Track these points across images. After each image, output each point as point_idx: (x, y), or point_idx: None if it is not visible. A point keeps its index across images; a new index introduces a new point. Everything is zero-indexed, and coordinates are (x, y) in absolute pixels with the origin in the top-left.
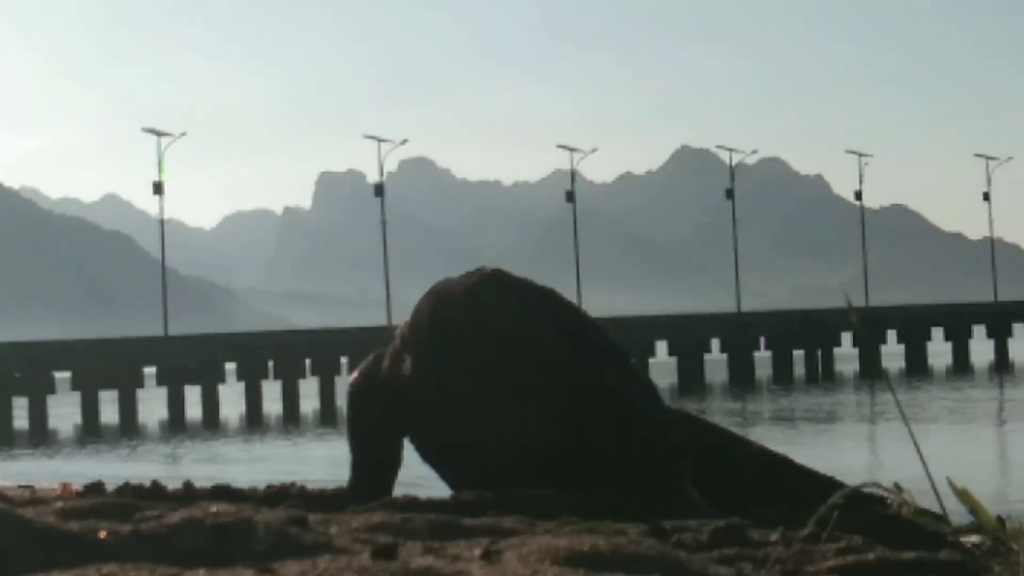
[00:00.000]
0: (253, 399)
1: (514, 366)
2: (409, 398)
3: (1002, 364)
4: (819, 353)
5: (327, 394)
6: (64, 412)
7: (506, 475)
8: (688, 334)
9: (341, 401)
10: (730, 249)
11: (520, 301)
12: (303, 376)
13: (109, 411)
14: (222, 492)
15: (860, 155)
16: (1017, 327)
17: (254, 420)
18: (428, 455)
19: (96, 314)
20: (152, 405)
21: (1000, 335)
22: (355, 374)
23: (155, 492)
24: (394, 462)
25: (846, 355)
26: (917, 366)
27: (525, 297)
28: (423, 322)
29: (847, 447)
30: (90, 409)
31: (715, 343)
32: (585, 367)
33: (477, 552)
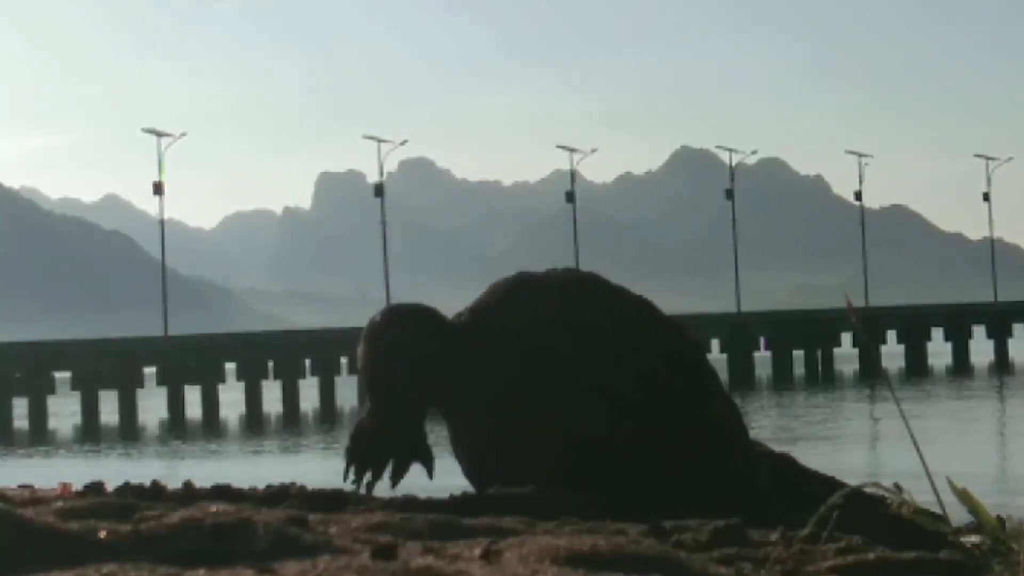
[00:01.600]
0: (253, 399)
1: (604, 369)
2: (459, 376)
3: (1002, 364)
4: (819, 353)
5: (327, 394)
6: (64, 412)
7: (567, 479)
8: None
9: (342, 401)
10: (730, 249)
11: (618, 307)
12: (303, 376)
13: (109, 411)
14: (222, 492)
15: (860, 155)
16: (1017, 327)
17: (254, 420)
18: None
19: (96, 314)
20: (152, 405)
21: (1000, 335)
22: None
23: (155, 492)
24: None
25: (846, 355)
26: (917, 366)
27: (622, 304)
28: (507, 305)
29: (847, 447)
30: (90, 409)
31: (715, 343)
32: (687, 388)
33: (477, 552)
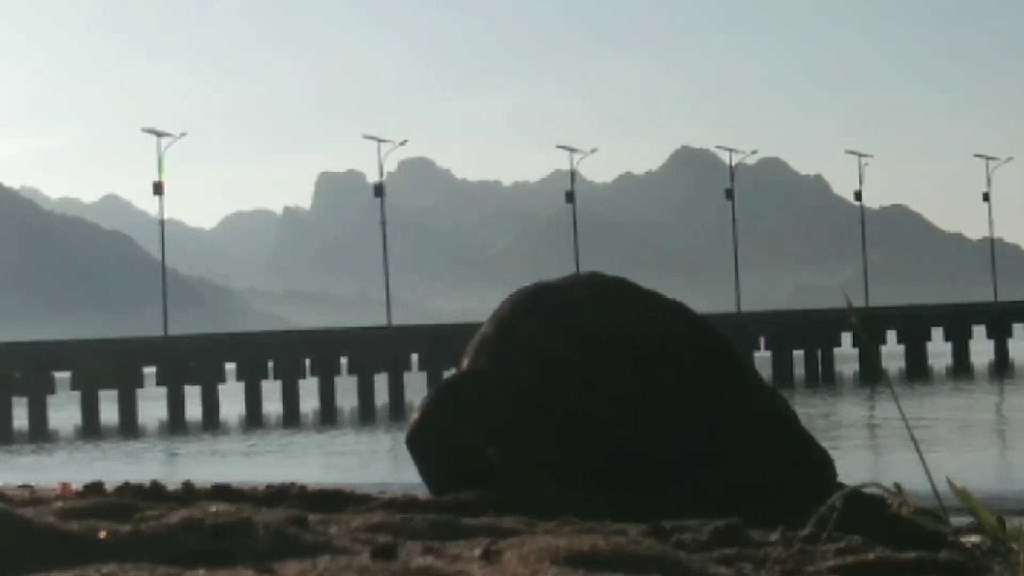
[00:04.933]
0: (253, 399)
1: (648, 375)
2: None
3: (1002, 364)
4: (819, 353)
5: (327, 394)
6: (64, 412)
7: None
8: None
9: (341, 401)
10: (730, 249)
11: (650, 310)
12: (303, 376)
13: (109, 411)
14: (222, 492)
15: (860, 155)
16: (1017, 327)
17: (254, 420)
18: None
19: (96, 314)
20: (152, 405)
21: (1000, 335)
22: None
23: (155, 492)
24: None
25: (846, 355)
26: (917, 367)
27: (654, 307)
28: (530, 316)
29: (847, 447)
30: (90, 409)
31: None
32: (724, 379)
33: (477, 552)
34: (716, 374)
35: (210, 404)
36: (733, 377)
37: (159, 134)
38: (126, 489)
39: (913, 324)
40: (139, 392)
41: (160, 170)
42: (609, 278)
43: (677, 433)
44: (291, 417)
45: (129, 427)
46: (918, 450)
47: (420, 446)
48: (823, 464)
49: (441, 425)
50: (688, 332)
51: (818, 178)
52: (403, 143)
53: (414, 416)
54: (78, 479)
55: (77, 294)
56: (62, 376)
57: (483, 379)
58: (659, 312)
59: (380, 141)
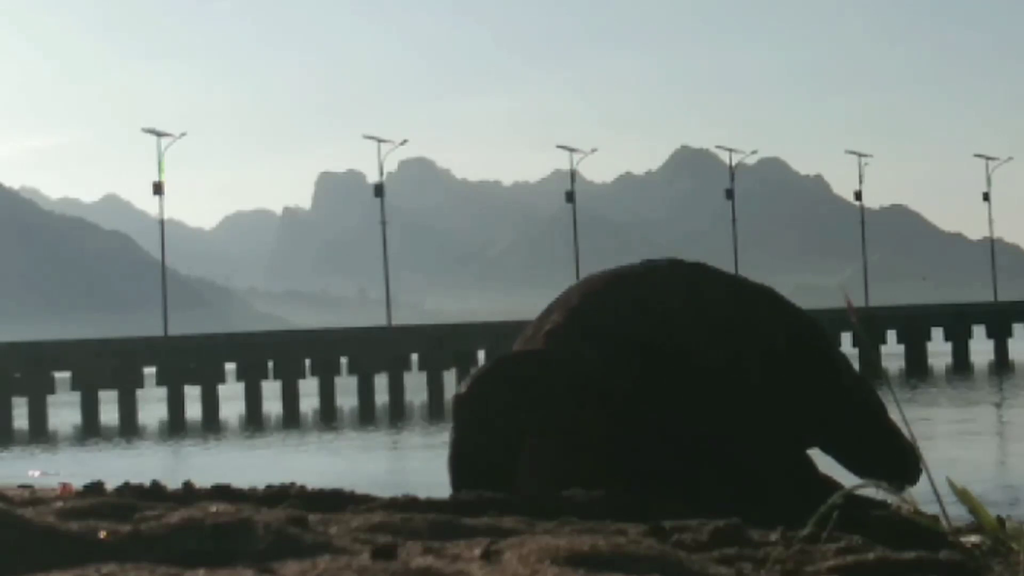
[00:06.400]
0: (253, 399)
1: (737, 366)
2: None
3: (1002, 364)
4: None
5: (327, 394)
6: (64, 412)
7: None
8: None
9: (341, 401)
10: (730, 249)
11: (736, 294)
12: (303, 376)
13: (109, 411)
14: (222, 492)
15: (860, 155)
16: (1017, 327)
17: (254, 420)
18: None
19: (96, 314)
20: (152, 405)
21: (1000, 335)
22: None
23: (155, 492)
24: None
25: (846, 355)
26: (917, 366)
27: (740, 290)
28: (612, 304)
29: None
30: (90, 409)
31: None
32: (817, 368)
33: (477, 552)
34: (808, 363)
35: (210, 404)
36: (826, 366)
37: (159, 134)
38: (126, 489)
39: (913, 324)
40: (139, 392)
41: (160, 170)
42: (689, 263)
43: (766, 425)
44: (291, 417)
45: (129, 427)
46: (917, 450)
47: (462, 419)
48: (910, 463)
49: (488, 405)
50: (778, 316)
51: (818, 178)
52: (403, 143)
53: (466, 383)
54: (78, 479)
55: (77, 294)
56: (62, 376)
57: (548, 362)
58: (747, 296)
59: (380, 141)
